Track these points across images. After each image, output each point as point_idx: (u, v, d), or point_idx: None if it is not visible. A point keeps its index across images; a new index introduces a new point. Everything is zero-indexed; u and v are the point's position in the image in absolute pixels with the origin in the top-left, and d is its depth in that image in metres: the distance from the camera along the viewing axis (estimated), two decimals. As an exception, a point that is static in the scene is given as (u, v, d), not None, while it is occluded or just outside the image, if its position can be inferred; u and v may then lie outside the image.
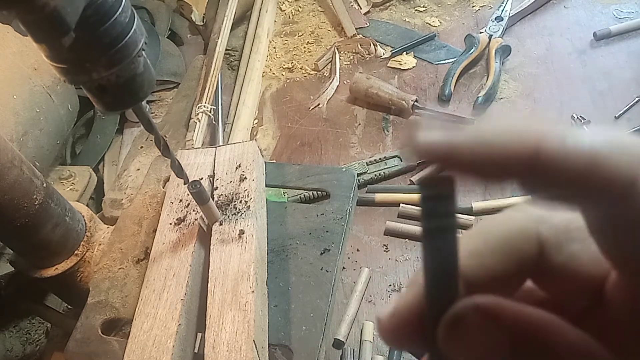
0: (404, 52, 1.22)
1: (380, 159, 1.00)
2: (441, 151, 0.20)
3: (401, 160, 0.99)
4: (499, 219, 0.23)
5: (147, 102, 1.10)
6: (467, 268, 0.21)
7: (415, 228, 0.89)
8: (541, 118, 0.19)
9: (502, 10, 1.20)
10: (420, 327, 0.21)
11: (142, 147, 1.06)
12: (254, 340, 0.56)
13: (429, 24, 1.28)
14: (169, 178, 0.78)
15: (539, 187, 0.20)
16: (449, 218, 0.19)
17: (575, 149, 0.18)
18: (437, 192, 0.19)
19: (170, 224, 0.69)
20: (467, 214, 0.89)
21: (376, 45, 1.23)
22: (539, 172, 0.19)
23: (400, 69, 1.19)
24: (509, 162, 0.19)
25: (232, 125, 1.11)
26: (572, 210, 0.20)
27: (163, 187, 0.79)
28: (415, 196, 0.93)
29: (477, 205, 0.90)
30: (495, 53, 1.12)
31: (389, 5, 1.34)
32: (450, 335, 0.20)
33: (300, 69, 1.24)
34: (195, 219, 0.68)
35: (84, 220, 0.71)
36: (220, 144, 1.02)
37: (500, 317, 0.20)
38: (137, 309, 0.61)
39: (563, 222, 0.22)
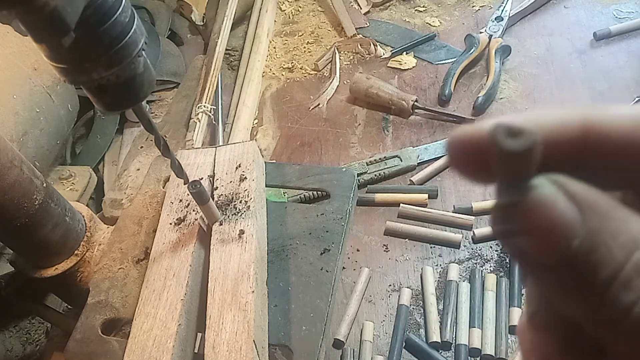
0: (404, 52, 1.22)
1: (380, 159, 1.00)
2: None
3: (401, 160, 0.99)
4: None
5: (147, 102, 1.10)
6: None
7: (415, 228, 0.89)
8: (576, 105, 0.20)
9: (502, 10, 1.20)
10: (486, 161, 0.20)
11: (142, 147, 1.06)
12: (254, 340, 0.56)
13: (429, 24, 1.28)
14: (169, 178, 0.78)
15: (591, 163, 0.20)
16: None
17: (620, 113, 0.19)
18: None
19: (170, 224, 0.69)
20: (467, 214, 0.89)
21: (376, 45, 1.23)
22: (592, 144, 0.19)
23: (400, 69, 1.19)
24: (560, 139, 0.19)
25: (232, 125, 1.11)
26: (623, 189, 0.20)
27: (163, 187, 0.79)
28: (417, 196, 0.93)
29: (477, 205, 0.90)
30: (495, 53, 1.12)
31: (389, 5, 1.34)
32: (515, 210, 0.19)
33: (300, 69, 1.24)
34: (195, 219, 0.68)
35: (84, 220, 0.71)
36: (220, 144, 1.02)
37: (574, 194, 0.18)
38: (137, 309, 0.61)
39: None
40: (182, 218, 0.69)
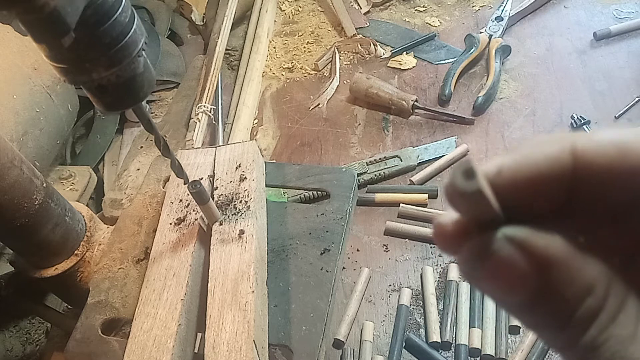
0: (404, 52, 1.22)
1: (380, 159, 1.00)
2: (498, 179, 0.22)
3: (401, 160, 0.99)
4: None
5: (147, 102, 1.10)
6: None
7: (415, 228, 0.89)
8: (560, 133, 0.21)
9: (502, 10, 1.20)
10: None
11: (142, 147, 1.06)
12: (254, 340, 0.56)
13: (429, 24, 1.28)
14: (169, 178, 0.78)
15: (580, 196, 0.21)
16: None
17: (605, 140, 0.20)
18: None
19: (170, 224, 0.69)
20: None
21: (376, 45, 1.23)
22: (581, 167, 0.20)
23: (400, 69, 1.19)
24: (551, 168, 0.21)
25: (232, 125, 1.11)
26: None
27: (163, 187, 0.79)
28: (417, 196, 0.93)
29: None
30: (495, 53, 1.12)
31: (389, 5, 1.34)
32: (479, 265, 0.21)
33: (300, 69, 1.24)
34: (195, 219, 0.68)
35: (84, 220, 0.71)
36: (220, 144, 1.02)
37: (530, 250, 0.20)
38: (137, 309, 0.61)
39: None
40: (182, 218, 0.69)
